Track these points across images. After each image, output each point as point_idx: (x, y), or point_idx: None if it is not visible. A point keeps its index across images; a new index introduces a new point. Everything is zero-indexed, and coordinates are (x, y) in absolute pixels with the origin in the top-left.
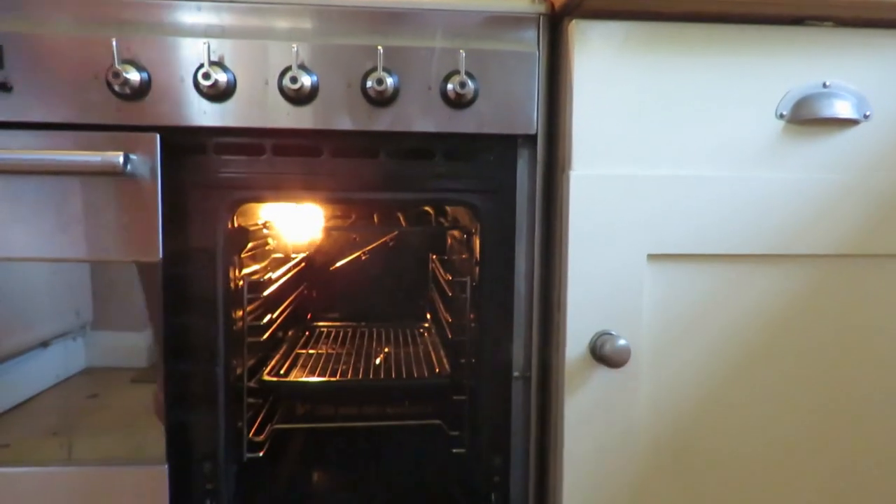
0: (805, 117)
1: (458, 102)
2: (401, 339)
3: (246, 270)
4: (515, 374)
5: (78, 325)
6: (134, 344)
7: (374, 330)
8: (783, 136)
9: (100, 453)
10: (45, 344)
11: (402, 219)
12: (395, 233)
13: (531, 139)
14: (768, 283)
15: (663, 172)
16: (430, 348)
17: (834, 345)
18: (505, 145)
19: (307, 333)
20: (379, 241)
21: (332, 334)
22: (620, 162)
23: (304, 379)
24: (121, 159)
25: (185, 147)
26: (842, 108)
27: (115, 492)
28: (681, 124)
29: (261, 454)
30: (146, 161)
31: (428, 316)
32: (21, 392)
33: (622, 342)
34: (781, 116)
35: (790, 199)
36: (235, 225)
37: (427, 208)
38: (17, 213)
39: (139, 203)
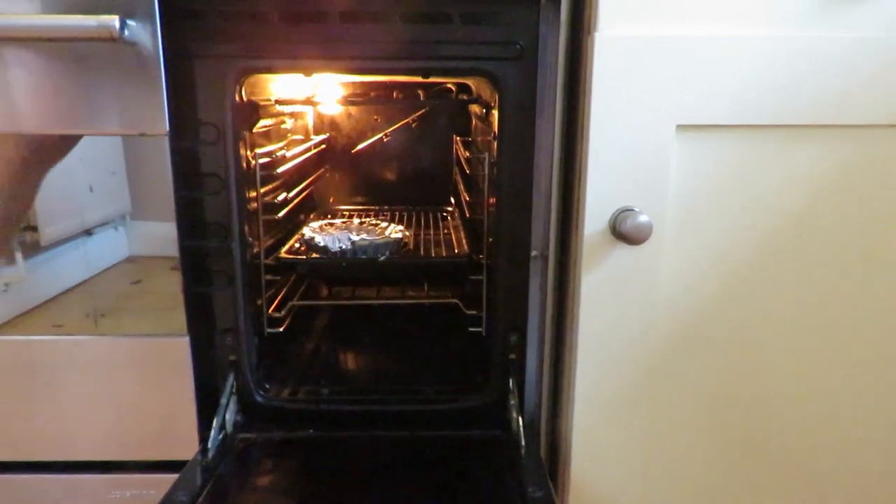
0: None
1: None
2: (423, 222)
3: (260, 150)
4: (534, 252)
5: (117, 214)
6: (173, 233)
7: (397, 213)
8: None
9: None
10: (88, 232)
11: (422, 96)
12: (418, 113)
13: None
14: (811, 157)
15: (698, 33)
16: (452, 232)
17: (879, 225)
18: (527, 6)
19: (329, 216)
20: (401, 123)
21: (355, 218)
22: (651, 22)
23: (321, 256)
24: (117, 23)
25: (185, 12)
26: None
27: (142, 362)
28: None
29: (281, 329)
30: (145, 26)
31: (452, 200)
32: (72, 277)
33: (643, 218)
34: None
35: (841, 62)
36: (244, 98)
37: (449, 85)
38: (20, 84)
39: (141, 72)
